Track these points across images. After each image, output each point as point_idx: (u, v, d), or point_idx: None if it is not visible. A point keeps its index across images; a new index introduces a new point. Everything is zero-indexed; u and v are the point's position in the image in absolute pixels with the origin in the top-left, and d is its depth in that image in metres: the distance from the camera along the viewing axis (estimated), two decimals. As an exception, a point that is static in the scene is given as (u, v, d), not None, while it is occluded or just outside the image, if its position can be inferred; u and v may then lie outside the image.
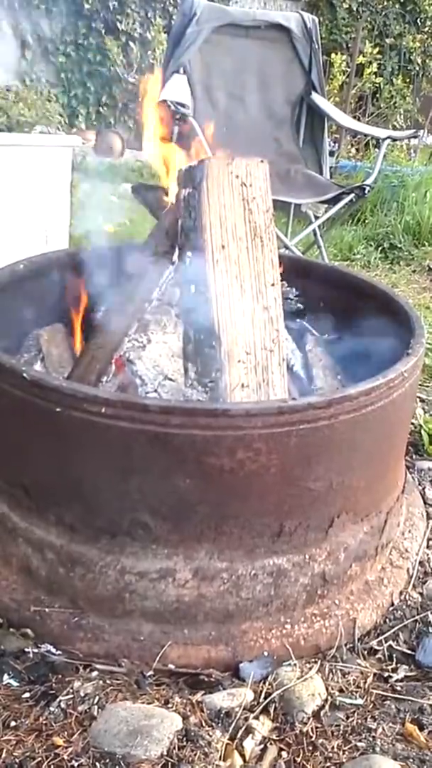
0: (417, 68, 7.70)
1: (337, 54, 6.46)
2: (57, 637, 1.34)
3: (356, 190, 3.02)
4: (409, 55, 7.61)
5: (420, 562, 1.62)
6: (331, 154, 5.13)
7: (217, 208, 1.45)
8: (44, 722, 1.19)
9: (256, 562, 1.32)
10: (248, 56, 3.28)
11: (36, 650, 1.33)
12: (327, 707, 1.26)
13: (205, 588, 1.31)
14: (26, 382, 1.28)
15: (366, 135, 4.21)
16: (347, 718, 1.25)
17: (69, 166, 2.91)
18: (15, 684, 1.27)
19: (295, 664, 1.32)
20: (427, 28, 7.75)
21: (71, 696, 1.24)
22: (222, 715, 1.22)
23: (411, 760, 1.17)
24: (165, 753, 1.13)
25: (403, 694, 1.31)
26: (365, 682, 1.33)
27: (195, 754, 1.14)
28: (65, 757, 1.13)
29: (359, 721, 1.24)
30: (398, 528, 1.63)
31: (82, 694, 1.24)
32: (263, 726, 1.21)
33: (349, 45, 7.15)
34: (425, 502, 1.85)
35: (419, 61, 7.69)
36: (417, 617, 1.48)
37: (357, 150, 6.34)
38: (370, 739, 1.21)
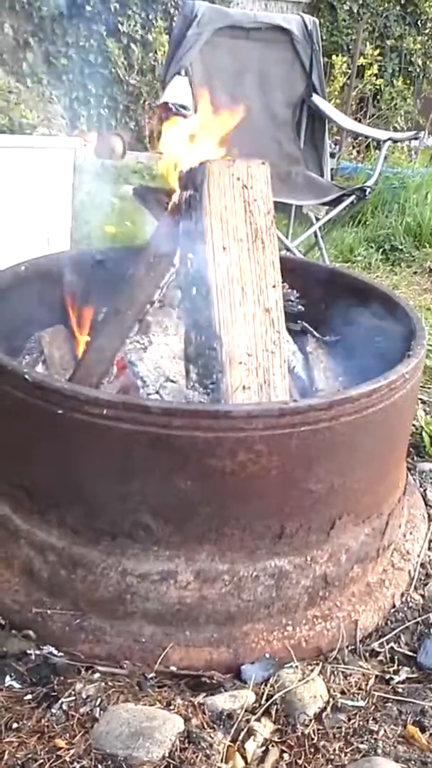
0: (417, 70, 7.69)
1: (337, 56, 6.46)
2: (59, 638, 1.34)
3: (357, 191, 3.03)
4: (410, 56, 7.60)
5: (421, 564, 1.62)
6: (332, 155, 5.13)
7: (218, 210, 1.45)
8: (46, 724, 1.19)
9: (257, 564, 1.32)
10: (249, 58, 3.28)
11: (38, 652, 1.33)
12: (329, 709, 1.26)
13: (207, 590, 1.31)
14: (28, 384, 1.28)
15: (367, 137, 4.22)
16: (349, 720, 1.25)
17: (70, 167, 2.91)
18: (17, 686, 1.27)
19: (296, 666, 1.32)
20: (427, 30, 7.74)
21: (73, 698, 1.24)
22: (224, 717, 1.22)
23: (412, 762, 1.17)
24: (167, 755, 1.13)
25: (404, 696, 1.31)
26: (367, 684, 1.33)
27: (197, 756, 1.14)
28: (67, 759, 1.13)
29: (361, 723, 1.24)
30: (400, 530, 1.63)
31: (84, 696, 1.24)
32: (265, 728, 1.21)
33: (350, 47, 7.15)
34: (426, 504, 1.85)
35: (420, 62, 7.68)
36: (418, 619, 1.48)
37: (358, 152, 6.33)
38: (372, 741, 1.21)
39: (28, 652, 1.33)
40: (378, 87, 7.01)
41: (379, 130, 4.03)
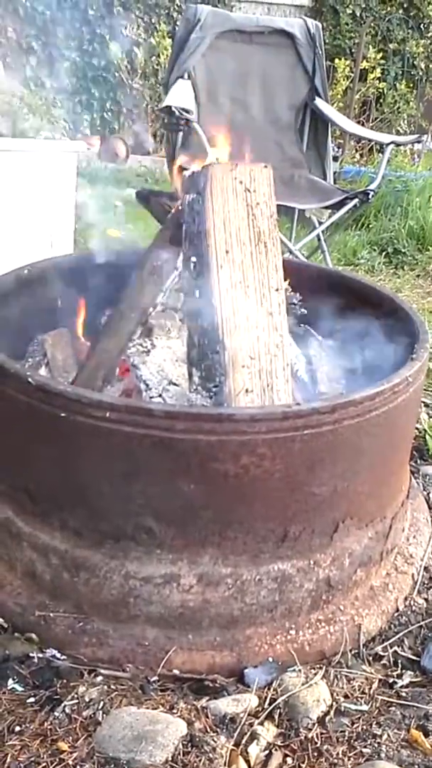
0: (420, 73, 7.70)
1: (340, 59, 6.47)
2: (62, 641, 1.34)
3: (360, 195, 3.03)
4: (413, 60, 7.61)
5: (425, 568, 1.61)
6: (335, 159, 5.12)
7: (221, 213, 1.46)
8: (49, 727, 1.19)
9: (260, 568, 1.32)
10: (252, 62, 3.29)
11: (41, 655, 1.33)
12: (332, 713, 1.26)
13: (210, 593, 1.31)
14: (31, 387, 1.28)
15: (370, 140, 4.22)
16: (352, 724, 1.24)
17: (74, 171, 2.92)
18: (20, 689, 1.27)
19: (299, 670, 1.32)
20: (430, 33, 7.75)
21: (76, 701, 1.24)
22: (227, 721, 1.21)
23: (416, 766, 1.17)
24: (170, 759, 1.13)
25: (408, 700, 1.31)
26: (370, 688, 1.32)
27: (200, 760, 1.13)
28: (70, 762, 1.13)
29: (364, 727, 1.24)
30: (403, 533, 1.63)
31: (86, 699, 1.24)
32: (268, 732, 1.21)
33: (353, 50, 7.16)
34: (430, 508, 1.84)
35: (423, 66, 7.69)
36: (422, 623, 1.48)
37: (361, 155, 6.34)
38: (375, 745, 1.20)
39: (31, 655, 1.33)
40: (381, 90, 7.02)
41: (382, 133, 4.03)
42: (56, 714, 1.21)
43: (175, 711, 1.22)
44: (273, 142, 3.35)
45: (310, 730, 1.22)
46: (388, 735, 1.23)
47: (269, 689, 1.28)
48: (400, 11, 7.58)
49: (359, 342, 1.77)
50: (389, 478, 1.50)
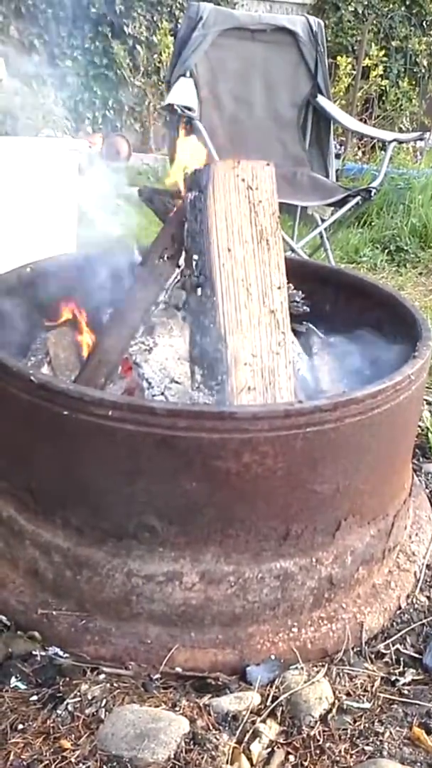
0: (423, 71, 7.69)
1: (342, 57, 6.46)
2: (64, 639, 1.34)
3: (362, 192, 3.02)
4: (415, 57, 7.60)
5: (427, 566, 1.61)
6: (337, 156, 5.12)
7: (223, 211, 1.46)
8: (52, 725, 1.19)
9: (262, 566, 1.32)
10: (254, 59, 3.28)
11: (43, 653, 1.33)
12: (334, 711, 1.26)
13: (212, 591, 1.31)
14: (33, 386, 1.28)
15: (372, 138, 4.22)
16: (354, 721, 1.25)
17: (75, 170, 2.92)
18: (22, 687, 1.27)
19: (302, 668, 1.32)
20: (432, 31, 7.75)
21: (78, 699, 1.24)
22: (229, 719, 1.21)
23: (418, 764, 1.17)
24: (172, 756, 1.13)
25: (410, 697, 1.31)
26: (372, 686, 1.33)
27: (202, 758, 1.13)
28: (72, 760, 1.13)
29: (366, 724, 1.24)
30: (405, 531, 1.63)
31: (89, 697, 1.24)
32: (270, 729, 1.21)
33: (355, 48, 7.15)
34: (432, 505, 1.84)
35: (425, 63, 7.67)
36: (424, 621, 1.48)
37: (363, 153, 6.33)
38: (378, 743, 1.21)
39: (34, 653, 1.33)
40: (383, 88, 7.01)
41: (385, 131, 4.02)
42: (59, 712, 1.22)
43: (177, 709, 1.23)
44: (275, 140, 3.34)
45: (313, 727, 1.22)
46: (391, 733, 1.23)
47: (271, 687, 1.28)
48: (403, 8, 7.57)
49: (361, 340, 1.77)
50: (391, 475, 1.50)
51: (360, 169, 5.30)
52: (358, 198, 3.01)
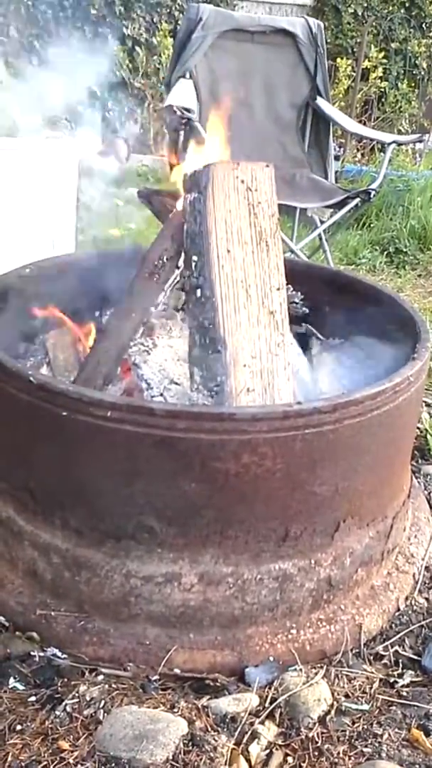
0: (422, 73, 7.68)
1: (342, 58, 6.46)
2: (63, 640, 1.34)
3: (362, 194, 3.03)
4: (415, 59, 7.59)
5: (426, 567, 1.61)
6: (337, 158, 5.11)
7: (222, 212, 1.46)
8: (50, 726, 1.19)
9: (261, 567, 1.32)
10: (254, 61, 3.28)
11: (42, 654, 1.33)
12: (333, 712, 1.26)
13: (211, 592, 1.31)
14: (33, 386, 1.28)
15: (371, 139, 4.22)
16: (353, 723, 1.25)
17: (75, 170, 2.92)
18: (21, 687, 1.27)
19: (300, 669, 1.32)
20: (432, 33, 7.75)
21: (77, 700, 1.24)
22: (228, 720, 1.21)
23: (417, 766, 1.17)
24: (171, 757, 1.13)
25: (409, 699, 1.31)
26: (371, 688, 1.32)
27: (201, 759, 1.13)
28: (71, 761, 1.13)
29: (365, 726, 1.24)
30: (404, 533, 1.63)
31: (87, 698, 1.24)
32: (269, 731, 1.21)
33: (355, 49, 7.14)
34: (431, 507, 1.84)
35: (425, 65, 7.67)
36: (423, 622, 1.48)
37: (362, 154, 6.33)
38: (376, 744, 1.20)
39: (32, 653, 1.33)
40: (382, 90, 7.01)
41: (384, 132, 4.03)
42: (57, 713, 1.21)
43: (176, 710, 1.22)
44: (275, 142, 3.35)
45: (311, 729, 1.22)
46: (389, 734, 1.23)
47: (270, 688, 1.28)
48: (402, 11, 7.57)
49: (360, 341, 1.77)
50: (390, 477, 1.50)
51: (359, 171, 5.30)
52: (358, 200, 3.01)
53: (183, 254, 1.55)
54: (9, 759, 1.13)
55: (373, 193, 3.03)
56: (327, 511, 1.34)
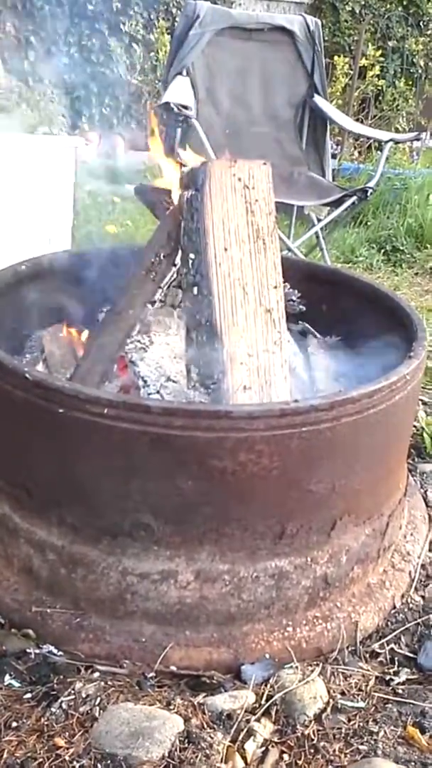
0: (420, 71, 7.68)
1: (339, 56, 6.45)
2: (58, 637, 1.34)
3: (359, 192, 3.03)
4: (412, 57, 7.59)
5: (422, 565, 1.62)
6: (334, 156, 5.12)
7: (219, 210, 1.45)
8: (46, 723, 1.19)
9: (257, 564, 1.32)
10: (251, 59, 3.28)
11: (37, 651, 1.33)
12: (328, 710, 1.26)
13: (207, 590, 1.31)
14: (29, 383, 1.28)
15: (369, 137, 4.22)
16: (349, 721, 1.25)
17: (72, 167, 2.92)
18: (16, 685, 1.27)
19: (296, 667, 1.32)
20: (429, 31, 7.73)
21: (73, 697, 1.24)
22: (223, 717, 1.21)
23: (412, 763, 1.17)
24: (166, 755, 1.13)
25: (404, 697, 1.31)
26: (367, 685, 1.33)
27: (196, 756, 1.13)
28: (66, 758, 1.13)
29: (361, 724, 1.24)
30: (400, 531, 1.63)
31: (83, 695, 1.24)
32: (265, 728, 1.21)
33: (352, 48, 7.14)
34: (427, 505, 1.85)
35: (422, 63, 7.68)
36: (419, 620, 1.48)
37: (359, 152, 6.33)
38: (372, 742, 1.21)
39: (28, 650, 1.33)
40: (380, 88, 7.00)
41: (381, 131, 4.02)
42: (53, 710, 1.21)
43: (172, 707, 1.22)
44: (272, 140, 3.34)
45: (307, 726, 1.22)
46: (385, 732, 1.23)
47: (266, 686, 1.28)
48: (400, 9, 7.57)
49: (357, 339, 1.77)
50: (387, 475, 1.50)
51: (356, 169, 5.30)
52: (355, 198, 3.01)
53: (180, 251, 1.54)
54: (5, 756, 1.13)
55: (370, 191, 3.03)
56: (323, 508, 1.34)
